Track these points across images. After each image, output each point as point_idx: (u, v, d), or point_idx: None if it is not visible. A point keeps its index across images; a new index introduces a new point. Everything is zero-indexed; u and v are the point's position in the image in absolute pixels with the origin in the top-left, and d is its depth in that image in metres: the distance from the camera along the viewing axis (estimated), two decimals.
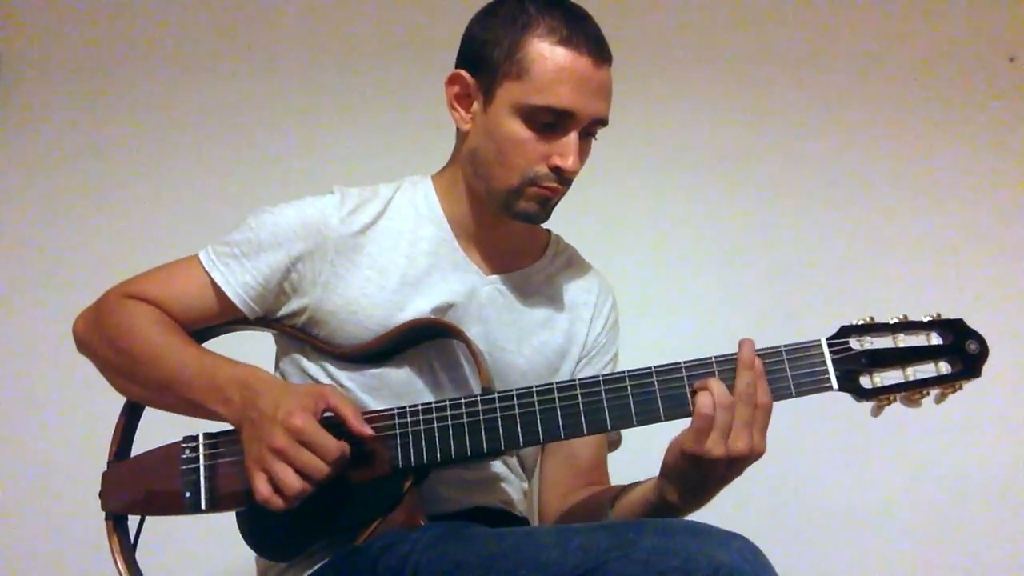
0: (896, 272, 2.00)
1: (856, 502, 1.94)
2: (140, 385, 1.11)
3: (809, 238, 2.04)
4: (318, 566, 1.03)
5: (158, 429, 1.14)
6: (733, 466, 0.95)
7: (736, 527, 0.84)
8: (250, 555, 1.11)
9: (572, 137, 1.05)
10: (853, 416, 1.77)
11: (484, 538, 0.94)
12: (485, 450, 1.00)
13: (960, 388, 0.95)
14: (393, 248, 1.12)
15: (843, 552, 1.92)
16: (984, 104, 2.09)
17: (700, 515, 0.89)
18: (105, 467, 1.14)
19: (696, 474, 0.95)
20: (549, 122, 1.04)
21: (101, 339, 1.12)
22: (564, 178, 1.07)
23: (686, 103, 2.10)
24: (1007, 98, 2.10)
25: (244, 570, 1.18)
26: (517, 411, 0.99)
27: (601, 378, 0.99)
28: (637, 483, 1.08)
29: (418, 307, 1.09)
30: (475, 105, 1.09)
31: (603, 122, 1.08)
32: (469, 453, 1.00)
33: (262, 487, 0.95)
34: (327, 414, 0.98)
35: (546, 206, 1.09)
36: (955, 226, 2.05)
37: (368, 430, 0.99)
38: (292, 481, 0.94)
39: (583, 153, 1.08)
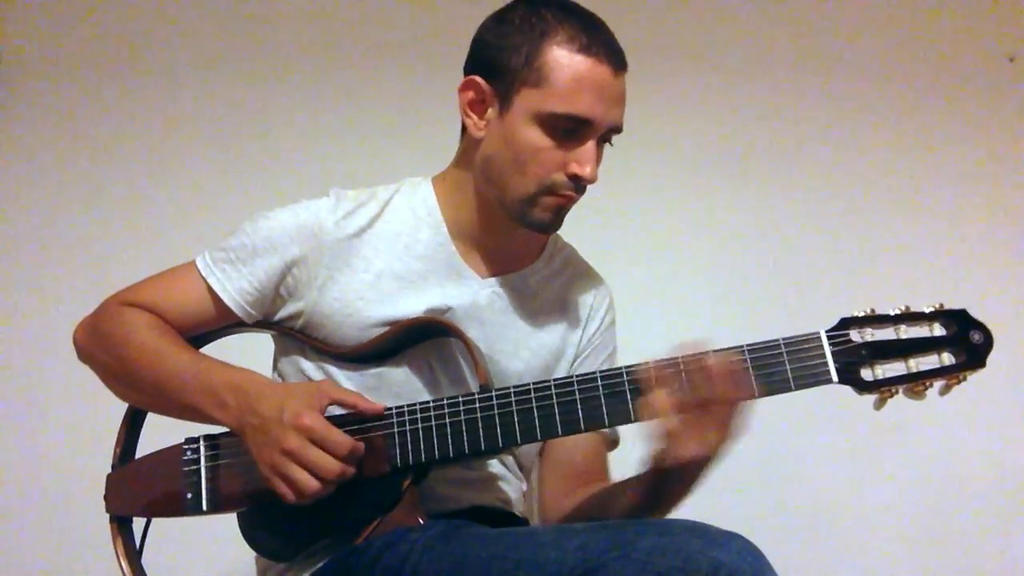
0: (896, 271, 2.00)
1: (856, 502, 1.93)
2: (138, 391, 1.12)
3: (810, 235, 2.04)
4: (318, 566, 1.03)
5: (162, 432, 1.14)
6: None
7: (736, 527, 0.84)
8: (251, 556, 1.11)
9: (590, 145, 1.04)
10: (854, 416, 1.78)
11: (484, 538, 0.93)
12: (483, 448, 1.00)
13: (964, 379, 0.93)
14: (389, 251, 1.12)
15: (843, 552, 1.92)
16: (984, 104, 2.10)
17: (700, 515, 0.89)
18: (109, 470, 1.15)
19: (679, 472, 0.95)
20: (568, 129, 1.03)
21: (100, 347, 1.13)
22: (581, 186, 1.06)
23: (686, 102, 2.10)
24: (1007, 98, 2.10)
25: (245, 571, 1.18)
26: (515, 408, 0.99)
27: (599, 373, 0.98)
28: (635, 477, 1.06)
29: (414, 310, 1.09)
30: (490, 112, 1.07)
31: (618, 130, 1.08)
32: (467, 451, 1.00)
33: (285, 491, 0.97)
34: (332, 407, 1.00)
35: (559, 215, 1.09)
36: (955, 224, 2.05)
37: (378, 405, 1.01)
38: (309, 482, 0.95)
39: (598, 160, 1.08)
